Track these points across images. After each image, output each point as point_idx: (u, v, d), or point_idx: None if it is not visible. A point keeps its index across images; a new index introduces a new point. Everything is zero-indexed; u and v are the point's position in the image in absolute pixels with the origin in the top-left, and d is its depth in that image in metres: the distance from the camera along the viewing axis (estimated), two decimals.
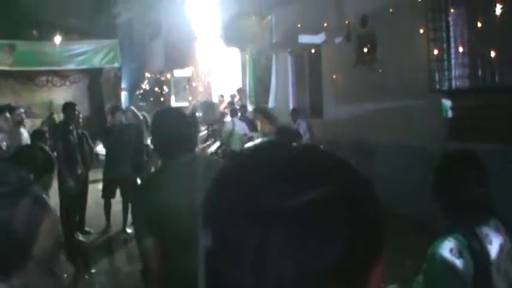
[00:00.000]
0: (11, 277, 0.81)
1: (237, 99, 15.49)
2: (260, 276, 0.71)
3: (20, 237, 0.83)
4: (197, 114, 13.38)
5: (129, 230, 9.74)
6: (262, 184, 0.75)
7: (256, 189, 0.74)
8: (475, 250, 2.35)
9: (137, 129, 10.20)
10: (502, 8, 7.66)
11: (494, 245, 2.41)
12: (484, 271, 2.35)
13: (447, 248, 2.37)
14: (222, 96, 16.41)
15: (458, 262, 2.34)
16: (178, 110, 3.90)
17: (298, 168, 0.77)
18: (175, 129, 3.17)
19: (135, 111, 11.70)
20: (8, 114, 8.16)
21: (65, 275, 0.92)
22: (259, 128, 12.24)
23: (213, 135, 12.42)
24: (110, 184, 9.75)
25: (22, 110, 9.71)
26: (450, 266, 2.34)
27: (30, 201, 0.85)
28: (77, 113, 9.46)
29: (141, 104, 20.21)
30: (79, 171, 9.11)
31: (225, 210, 0.75)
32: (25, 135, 9.14)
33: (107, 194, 9.81)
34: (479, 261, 2.34)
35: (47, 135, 9.62)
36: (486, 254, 2.36)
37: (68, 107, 9.45)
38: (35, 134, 9.11)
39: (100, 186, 10.39)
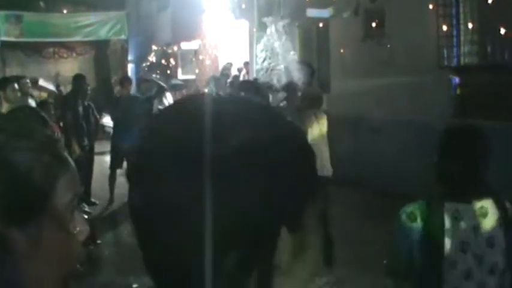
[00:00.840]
0: (25, 227, 0.84)
1: (244, 72, 15.43)
2: (198, 226, 0.74)
3: (38, 188, 0.86)
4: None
5: None
6: (191, 136, 0.77)
7: (185, 141, 0.78)
8: (430, 220, 2.47)
9: (147, 102, 10.26)
10: None
11: (464, 223, 2.46)
12: (435, 242, 2.45)
13: (407, 212, 2.54)
14: (230, 64, 16.28)
15: (410, 226, 2.50)
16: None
17: (224, 120, 0.79)
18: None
19: (157, 81, 11.86)
20: (16, 85, 8.18)
21: (78, 230, 0.96)
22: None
23: None
24: (117, 155, 9.79)
25: (28, 81, 9.75)
26: (403, 227, 2.53)
27: (52, 156, 0.90)
28: (86, 86, 9.52)
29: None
30: (85, 142, 9.17)
31: (157, 165, 0.79)
32: (33, 105, 9.17)
33: (114, 166, 9.87)
34: (432, 231, 2.46)
35: (51, 106, 9.74)
36: (443, 227, 2.44)
37: (78, 79, 9.51)
38: (39, 105, 9.20)
39: (105, 158, 10.43)
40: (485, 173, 2.49)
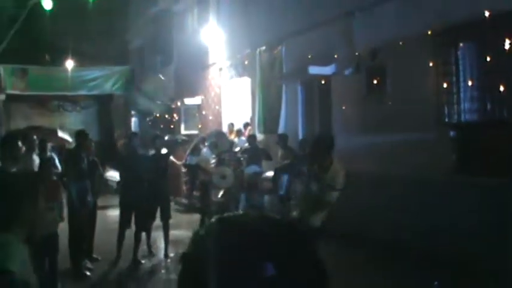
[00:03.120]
0: None
1: (249, 128, 15.49)
2: None
3: None
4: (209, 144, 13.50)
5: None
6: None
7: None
8: None
9: (156, 159, 10.05)
10: (510, 43, 7.73)
11: None
12: None
13: None
14: (232, 124, 16.38)
15: None
16: None
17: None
18: None
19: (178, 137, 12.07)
20: (19, 143, 8.24)
21: None
22: (279, 155, 12.40)
23: (220, 163, 12.51)
24: (126, 213, 9.75)
25: (35, 137, 9.84)
26: None
27: None
28: (89, 140, 9.53)
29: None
30: (89, 198, 9.12)
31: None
32: (37, 162, 9.22)
33: (124, 224, 9.77)
34: None
35: (54, 160, 9.80)
36: None
37: (81, 135, 9.50)
38: (43, 162, 9.28)
39: (108, 212, 10.36)
40: None
